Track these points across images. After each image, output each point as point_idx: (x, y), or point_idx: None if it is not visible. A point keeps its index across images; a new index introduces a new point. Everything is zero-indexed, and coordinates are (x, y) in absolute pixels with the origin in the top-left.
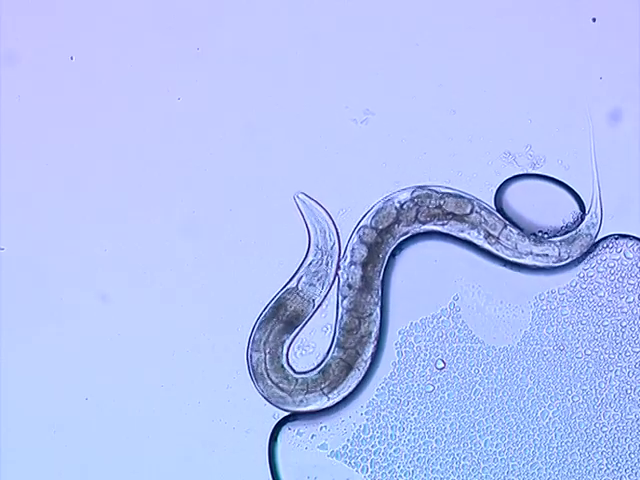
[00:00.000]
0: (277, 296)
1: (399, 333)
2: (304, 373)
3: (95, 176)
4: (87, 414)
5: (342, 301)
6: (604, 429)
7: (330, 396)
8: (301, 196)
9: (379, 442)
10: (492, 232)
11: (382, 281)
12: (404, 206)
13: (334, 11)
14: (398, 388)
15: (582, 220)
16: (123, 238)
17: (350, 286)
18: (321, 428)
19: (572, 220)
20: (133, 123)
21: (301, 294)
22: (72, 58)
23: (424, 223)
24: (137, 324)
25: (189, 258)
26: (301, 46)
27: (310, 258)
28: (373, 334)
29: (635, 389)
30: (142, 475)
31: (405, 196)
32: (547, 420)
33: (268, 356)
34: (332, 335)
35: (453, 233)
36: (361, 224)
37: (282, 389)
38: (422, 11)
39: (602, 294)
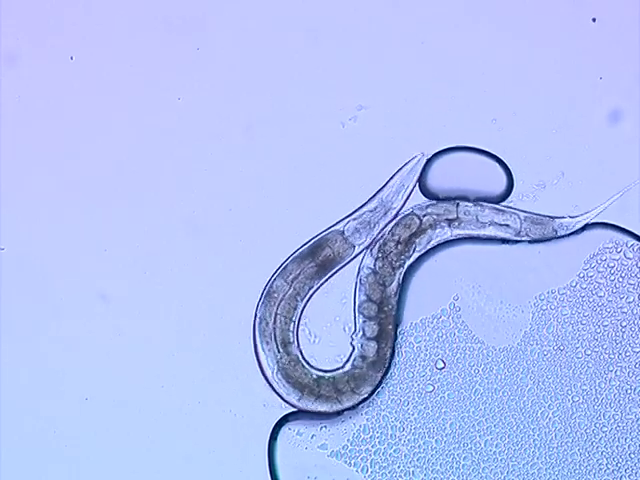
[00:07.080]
0: (319, 236)
1: (399, 333)
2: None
3: (95, 176)
4: (87, 414)
5: (350, 366)
6: (604, 429)
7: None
8: (422, 160)
9: (379, 442)
10: (450, 217)
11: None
12: (376, 267)
13: (335, 10)
14: (398, 388)
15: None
16: (123, 238)
17: (364, 358)
18: (321, 428)
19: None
20: (133, 123)
21: (345, 238)
22: (72, 58)
23: (402, 265)
24: (137, 324)
25: (189, 258)
26: (301, 45)
27: (370, 206)
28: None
29: (635, 389)
30: (142, 475)
31: (369, 260)
32: (547, 420)
33: (290, 293)
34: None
35: (427, 248)
36: (356, 303)
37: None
38: (421, 11)
39: (602, 294)
